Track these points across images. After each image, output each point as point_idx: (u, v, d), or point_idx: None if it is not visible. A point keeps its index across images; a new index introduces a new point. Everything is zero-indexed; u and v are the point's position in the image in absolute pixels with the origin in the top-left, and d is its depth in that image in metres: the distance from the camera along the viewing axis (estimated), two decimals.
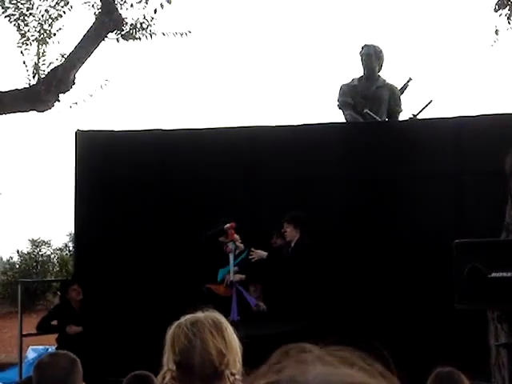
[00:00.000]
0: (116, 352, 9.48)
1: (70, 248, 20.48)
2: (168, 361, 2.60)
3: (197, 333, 2.53)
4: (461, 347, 8.31)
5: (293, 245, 8.80)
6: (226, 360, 2.51)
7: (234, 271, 8.82)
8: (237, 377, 2.52)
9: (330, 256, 9.31)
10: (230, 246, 8.88)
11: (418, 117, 10.56)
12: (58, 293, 12.70)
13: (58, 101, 10.39)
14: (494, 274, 5.73)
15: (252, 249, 8.84)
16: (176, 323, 2.64)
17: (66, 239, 21.97)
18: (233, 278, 8.79)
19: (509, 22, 9.37)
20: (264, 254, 8.78)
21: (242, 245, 8.90)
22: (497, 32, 9.49)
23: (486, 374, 7.12)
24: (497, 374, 7.08)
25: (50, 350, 10.47)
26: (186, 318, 2.63)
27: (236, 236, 8.89)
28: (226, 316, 2.79)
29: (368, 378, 0.76)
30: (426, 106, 10.51)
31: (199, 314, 2.64)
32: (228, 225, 8.88)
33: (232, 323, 2.75)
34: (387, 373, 0.80)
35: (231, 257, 8.87)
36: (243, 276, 8.83)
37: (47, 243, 22.11)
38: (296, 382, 0.74)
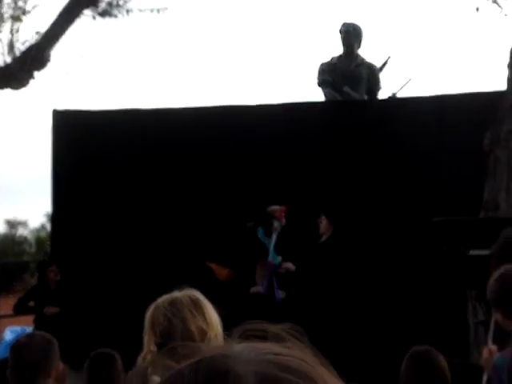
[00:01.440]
0: (93, 332, 9.44)
1: (48, 228, 20.35)
2: (149, 342, 2.56)
3: (176, 312, 2.50)
4: (439, 325, 8.36)
5: (324, 239, 8.85)
6: (208, 336, 2.49)
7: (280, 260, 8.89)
8: None
9: (309, 234, 9.32)
10: (275, 224, 8.94)
11: (398, 95, 10.56)
12: (36, 273, 12.61)
13: (33, 78, 10.26)
14: (472, 252, 5.73)
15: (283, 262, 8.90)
16: (154, 304, 2.60)
17: (43, 219, 21.85)
18: (282, 263, 8.84)
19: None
20: (292, 267, 8.82)
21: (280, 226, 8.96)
22: (477, 9, 9.48)
23: (465, 352, 7.17)
24: (475, 351, 7.13)
25: (27, 330, 10.40)
26: (163, 299, 2.59)
27: (284, 220, 8.93)
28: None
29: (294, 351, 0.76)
30: (406, 84, 10.52)
31: (176, 293, 2.60)
32: (279, 207, 8.93)
33: (277, 303, 2.72)
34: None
35: (274, 236, 8.93)
36: (293, 267, 8.84)
37: (24, 223, 21.97)
38: (224, 357, 0.72)
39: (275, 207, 8.93)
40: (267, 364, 0.71)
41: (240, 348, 0.74)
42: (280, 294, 8.75)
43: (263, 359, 0.71)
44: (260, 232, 8.93)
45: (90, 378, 4.34)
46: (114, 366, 4.29)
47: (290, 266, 8.82)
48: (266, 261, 8.80)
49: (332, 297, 8.56)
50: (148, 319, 2.57)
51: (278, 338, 0.78)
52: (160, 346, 2.52)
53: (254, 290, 8.82)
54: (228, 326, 2.54)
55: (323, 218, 8.86)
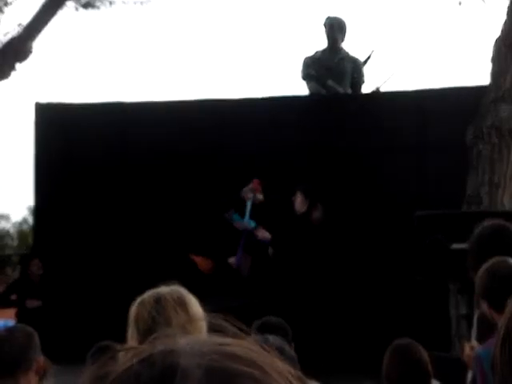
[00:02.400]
0: (75, 326, 9.42)
1: (30, 222, 20.24)
2: (131, 338, 2.53)
3: (161, 310, 2.47)
4: (421, 318, 8.40)
5: (299, 216, 8.83)
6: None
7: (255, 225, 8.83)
8: None
9: (292, 227, 9.33)
10: (250, 194, 8.91)
11: (381, 89, 10.59)
12: (18, 267, 12.54)
13: (15, 70, 10.19)
14: (454, 246, 5.76)
15: (259, 227, 8.84)
16: (139, 299, 2.56)
17: (26, 213, 21.72)
18: (257, 230, 8.77)
19: None
20: (268, 236, 8.78)
21: (261, 196, 8.93)
22: (460, 3, 9.51)
23: (447, 345, 7.20)
24: (457, 344, 7.16)
25: (9, 324, 10.34)
26: (149, 295, 2.55)
27: (259, 188, 8.92)
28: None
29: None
30: (389, 78, 10.56)
31: (163, 290, 2.56)
32: (254, 180, 8.89)
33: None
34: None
35: (248, 204, 8.90)
36: (269, 236, 8.78)
37: (5, 217, 21.84)
38: (169, 352, 0.72)
39: (248, 187, 8.92)
40: (213, 355, 0.70)
41: (184, 341, 0.74)
42: (240, 261, 8.75)
43: (208, 350, 0.71)
44: (236, 216, 8.91)
45: None
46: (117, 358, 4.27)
47: (266, 234, 8.76)
48: (205, 260, 8.84)
49: (308, 281, 8.57)
50: (132, 314, 2.53)
51: (221, 330, 0.78)
52: (141, 343, 2.49)
53: (230, 260, 8.88)
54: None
55: (298, 195, 8.81)
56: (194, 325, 2.48)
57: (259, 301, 8.07)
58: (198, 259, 9.05)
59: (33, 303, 9.38)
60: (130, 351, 0.76)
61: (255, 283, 8.69)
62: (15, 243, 21.13)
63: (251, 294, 8.51)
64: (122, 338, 3.50)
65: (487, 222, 3.57)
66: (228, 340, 0.74)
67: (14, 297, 9.68)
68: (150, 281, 2.70)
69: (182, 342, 0.74)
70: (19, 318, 9.34)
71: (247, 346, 0.73)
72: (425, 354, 3.72)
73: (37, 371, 3.17)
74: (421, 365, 3.68)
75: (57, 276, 9.72)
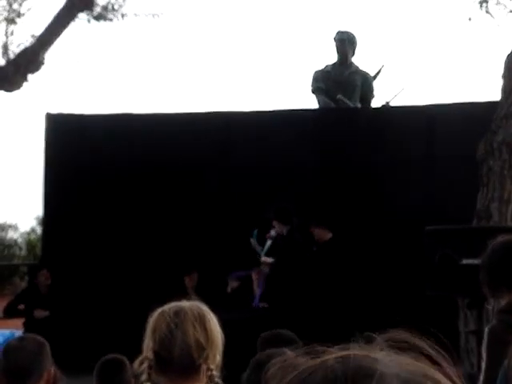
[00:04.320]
0: (83, 336, 9.41)
1: (38, 232, 20.27)
2: (147, 348, 2.53)
3: (179, 323, 2.46)
4: (430, 333, 8.36)
5: (284, 238, 8.82)
6: (206, 354, 2.44)
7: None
8: (214, 372, 2.45)
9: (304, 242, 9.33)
10: (272, 232, 8.93)
11: (391, 104, 10.59)
12: (26, 277, 12.56)
13: (27, 81, 10.24)
14: (464, 261, 5.73)
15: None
16: (159, 310, 2.55)
17: (34, 223, 21.73)
18: (264, 258, 8.83)
19: (481, 9, 9.39)
20: (269, 260, 8.79)
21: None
22: (470, 19, 9.51)
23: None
24: (465, 360, 7.13)
25: (16, 334, 10.34)
26: (169, 306, 2.54)
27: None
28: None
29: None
30: (399, 92, 10.56)
31: (184, 303, 2.55)
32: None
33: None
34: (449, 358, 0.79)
35: (268, 242, 8.90)
36: (270, 259, 8.80)
37: (14, 227, 21.86)
38: (369, 357, 0.73)
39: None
40: (412, 370, 0.72)
41: (382, 354, 0.75)
42: (257, 300, 8.74)
43: (405, 364, 0.72)
44: (254, 234, 8.90)
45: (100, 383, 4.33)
46: (124, 371, 4.27)
47: (266, 259, 8.77)
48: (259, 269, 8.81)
49: (323, 303, 8.55)
50: (151, 324, 2.52)
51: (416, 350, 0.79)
52: (156, 353, 2.49)
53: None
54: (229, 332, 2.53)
55: (274, 222, 8.79)
56: (210, 342, 2.47)
57: (263, 314, 8.06)
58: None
59: (40, 313, 9.39)
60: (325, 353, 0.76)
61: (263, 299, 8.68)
62: (23, 253, 21.13)
63: (255, 308, 8.50)
64: (129, 349, 3.50)
65: (500, 238, 3.56)
66: (419, 362, 0.75)
67: (21, 307, 9.69)
68: (158, 292, 2.70)
69: (380, 353, 0.75)
70: (27, 328, 9.34)
71: (446, 374, 0.75)
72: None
73: (47, 381, 3.17)
74: None
75: (65, 286, 9.72)
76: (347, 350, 0.75)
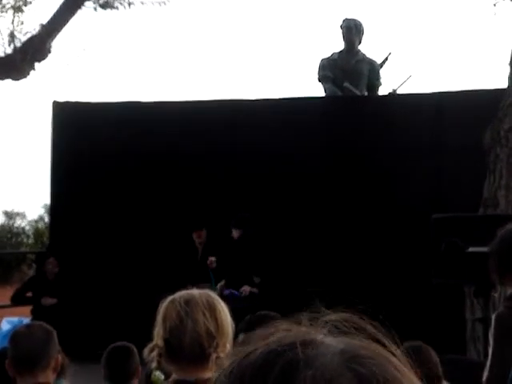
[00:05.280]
0: (91, 323, 9.46)
1: (45, 220, 20.34)
2: (158, 336, 2.55)
3: (189, 312, 2.47)
4: (437, 321, 8.37)
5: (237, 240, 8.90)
6: (215, 343, 2.45)
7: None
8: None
9: (306, 229, 9.33)
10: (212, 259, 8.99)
11: (398, 91, 10.56)
12: (34, 265, 12.61)
13: (34, 69, 10.25)
14: (471, 249, 5.73)
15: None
16: (170, 298, 2.56)
17: (41, 211, 21.80)
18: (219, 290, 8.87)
19: None
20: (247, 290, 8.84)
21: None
22: (495, 5, 9.41)
23: (462, 347, 7.18)
24: (472, 347, 7.14)
25: (24, 321, 10.41)
26: (180, 295, 2.55)
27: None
28: None
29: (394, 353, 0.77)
30: (406, 80, 10.52)
31: (194, 292, 2.56)
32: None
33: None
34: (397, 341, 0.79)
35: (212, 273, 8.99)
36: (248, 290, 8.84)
37: (21, 215, 21.94)
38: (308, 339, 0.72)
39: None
40: (354, 345, 0.72)
41: (323, 334, 0.75)
42: (236, 292, 8.76)
43: (348, 342, 0.73)
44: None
45: (108, 371, 4.35)
46: (132, 358, 4.30)
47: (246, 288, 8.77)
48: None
49: (328, 289, 8.56)
50: (161, 312, 2.54)
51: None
52: (166, 341, 2.50)
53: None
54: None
55: (233, 230, 8.86)
56: (220, 331, 2.49)
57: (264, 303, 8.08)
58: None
59: (48, 301, 9.43)
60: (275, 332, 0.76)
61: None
62: (31, 241, 21.22)
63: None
64: (136, 337, 3.51)
65: (509, 226, 3.57)
66: (367, 344, 0.75)
67: (29, 294, 9.74)
68: (165, 280, 2.72)
69: (321, 334, 0.75)
70: (34, 315, 9.40)
71: (382, 354, 0.74)
72: (435, 357, 3.71)
73: (55, 369, 3.19)
74: (430, 367, 3.67)
75: (72, 274, 9.76)
76: (289, 331, 0.75)
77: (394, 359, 0.74)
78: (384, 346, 0.76)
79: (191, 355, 2.47)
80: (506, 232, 3.55)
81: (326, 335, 0.74)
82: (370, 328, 0.78)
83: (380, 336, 0.78)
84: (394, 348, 0.77)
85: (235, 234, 8.88)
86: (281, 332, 0.74)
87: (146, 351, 2.55)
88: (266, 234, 9.07)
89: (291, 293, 8.18)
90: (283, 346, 0.71)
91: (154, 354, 2.50)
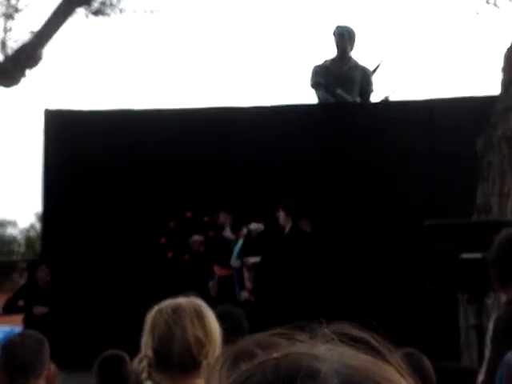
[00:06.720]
0: (82, 332, 9.41)
1: (37, 228, 20.27)
2: (146, 346, 2.52)
3: (177, 320, 2.45)
4: (430, 328, 8.36)
5: (286, 232, 8.72)
6: (205, 351, 2.44)
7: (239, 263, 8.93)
8: None
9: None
10: (244, 230, 9.02)
11: (390, 98, 10.60)
12: (25, 273, 12.55)
13: (25, 76, 10.22)
14: (464, 256, 5.72)
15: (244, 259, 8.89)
16: (157, 307, 2.54)
17: (33, 219, 21.74)
18: (233, 263, 8.90)
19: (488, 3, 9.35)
20: (252, 259, 8.80)
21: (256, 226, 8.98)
22: (477, 13, 9.46)
23: (456, 354, 7.17)
24: (465, 354, 7.13)
25: (16, 330, 10.34)
26: (167, 304, 2.54)
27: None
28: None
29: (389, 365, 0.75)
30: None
31: (181, 300, 2.55)
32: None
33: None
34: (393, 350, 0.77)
35: (240, 241, 9.03)
36: (254, 259, 8.81)
37: (13, 223, 21.87)
38: (309, 354, 0.71)
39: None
40: (350, 364, 0.71)
41: (324, 348, 0.74)
42: (242, 295, 8.79)
43: (347, 357, 0.71)
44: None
45: (100, 380, 4.31)
46: (124, 367, 4.26)
47: (249, 259, 8.78)
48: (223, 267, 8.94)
49: (320, 296, 8.55)
50: (149, 322, 2.52)
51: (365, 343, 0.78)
52: (155, 351, 2.48)
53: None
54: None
55: (280, 211, 8.70)
56: (208, 338, 2.47)
57: (261, 309, 8.06)
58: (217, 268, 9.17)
59: (40, 310, 9.38)
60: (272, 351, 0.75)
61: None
62: (22, 249, 21.14)
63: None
64: (128, 345, 3.48)
65: (504, 231, 3.56)
66: (364, 356, 0.74)
67: (21, 303, 9.68)
68: (158, 288, 2.70)
69: (322, 347, 0.74)
70: (26, 324, 9.34)
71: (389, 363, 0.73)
72: (428, 363, 3.70)
73: (48, 378, 3.17)
74: (424, 374, 3.65)
75: (64, 282, 9.72)
76: (290, 347, 0.74)
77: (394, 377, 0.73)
78: (385, 358, 0.75)
79: (181, 364, 2.45)
80: (504, 239, 3.53)
81: (325, 354, 0.72)
82: (372, 341, 0.77)
83: (381, 348, 0.76)
84: (395, 360, 0.76)
85: (284, 221, 8.73)
86: (280, 357, 0.72)
87: (135, 362, 2.52)
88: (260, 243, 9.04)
89: (286, 300, 8.15)
90: (283, 378, 0.70)
91: (144, 364, 2.48)
